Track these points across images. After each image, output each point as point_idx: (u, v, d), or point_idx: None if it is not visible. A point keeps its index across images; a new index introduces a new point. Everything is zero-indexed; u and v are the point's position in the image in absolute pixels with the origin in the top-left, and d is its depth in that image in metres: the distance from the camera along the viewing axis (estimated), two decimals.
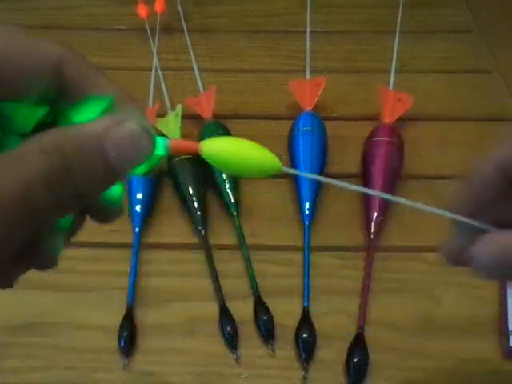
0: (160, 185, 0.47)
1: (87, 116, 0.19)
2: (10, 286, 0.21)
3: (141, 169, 0.20)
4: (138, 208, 0.43)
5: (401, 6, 0.61)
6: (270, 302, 0.38)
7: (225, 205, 0.44)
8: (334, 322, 0.38)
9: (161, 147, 0.20)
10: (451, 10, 0.68)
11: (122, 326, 0.37)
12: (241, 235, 0.42)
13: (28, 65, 0.19)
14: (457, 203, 0.23)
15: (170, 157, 0.47)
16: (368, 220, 0.42)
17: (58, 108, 0.21)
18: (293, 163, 0.46)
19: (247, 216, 0.44)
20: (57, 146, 0.17)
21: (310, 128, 0.47)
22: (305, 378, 0.35)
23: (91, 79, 0.20)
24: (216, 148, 0.20)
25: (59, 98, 0.20)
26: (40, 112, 0.20)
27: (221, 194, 0.45)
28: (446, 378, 0.36)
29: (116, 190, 0.22)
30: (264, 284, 0.40)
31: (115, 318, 0.37)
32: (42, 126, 0.21)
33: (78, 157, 0.17)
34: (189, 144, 0.20)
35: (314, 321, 0.37)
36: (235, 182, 0.45)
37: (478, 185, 0.22)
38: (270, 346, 0.37)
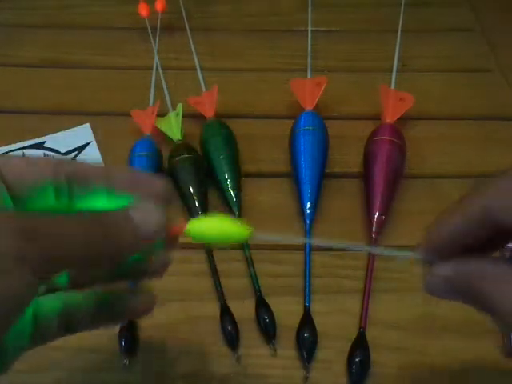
0: None
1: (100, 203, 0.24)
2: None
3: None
4: None
5: (403, 5, 0.61)
6: (271, 302, 0.38)
7: (226, 204, 0.44)
8: (336, 322, 0.38)
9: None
10: (452, 9, 0.68)
11: (123, 326, 0.37)
12: None
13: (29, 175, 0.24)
14: (430, 245, 0.24)
15: (171, 156, 0.47)
16: (369, 219, 0.42)
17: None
18: (294, 163, 0.46)
19: (248, 215, 0.44)
20: (97, 216, 0.22)
21: (311, 127, 0.47)
22: (306, 377, 0.35)
23: (89, 173, 0.25)
24: (196, 229, 0.25)
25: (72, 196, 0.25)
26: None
27: (222, 192, 0.45)
28: (447, 377, 0.36)
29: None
30: (265, 283, 0.40)
31: None
32: None
33: (112, 221, 0.22)
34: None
35: (316, 320, 0.37)
36: (237, 181, 0.45)
37: (457, 228, 0.23)
38: (271, 346, 0.37)
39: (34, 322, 0.25)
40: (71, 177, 0.24)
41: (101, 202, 0.25)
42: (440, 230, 0.24)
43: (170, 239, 0.25)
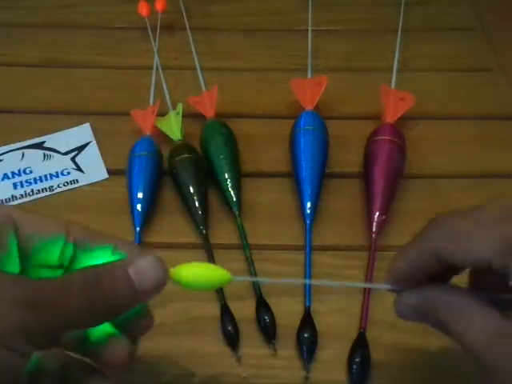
0: (161, 184, 0.47)
1: (99, 259, 0.26)
2: None
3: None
4: (138, 207, 0.43)
5: (403, 4, 0.61)
6: (271, 302, 0.38)
7: (226, 204, 0.44)
8: (336, 322, 0.38)
9: None
10: (453, 8, 0.68)
11: None
12: (242, 234, 0.42)
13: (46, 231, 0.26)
14: (394, 276, 0.27)
15: (171, 156, 0.47)
16: (370, 219, 0.42)
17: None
18: (294, 163, 0.46)
19: (248, 215, 0.44)
20: (97, 279, 0.23)
21: (311, 127, 0.47)
22: (306, 378, 0.35)
23: (93, 237, 0.27)
24: (180, 275, 0.25)
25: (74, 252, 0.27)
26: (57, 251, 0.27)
27: (222, 192, 0.45)
28: (448, 377, 0.36)
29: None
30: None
31: None
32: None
33: (112, 284, 0.23)
34: None
35: (316, 320, 0.37)
36: (237, 181, 0.45)
37: (412, 267, 0.26)
38: (271, 346, 0.37)
39: None
40: (79, 240, 0.26)
41: (100, 260, 0.25)
42: (398, 265, 0.26)
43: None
